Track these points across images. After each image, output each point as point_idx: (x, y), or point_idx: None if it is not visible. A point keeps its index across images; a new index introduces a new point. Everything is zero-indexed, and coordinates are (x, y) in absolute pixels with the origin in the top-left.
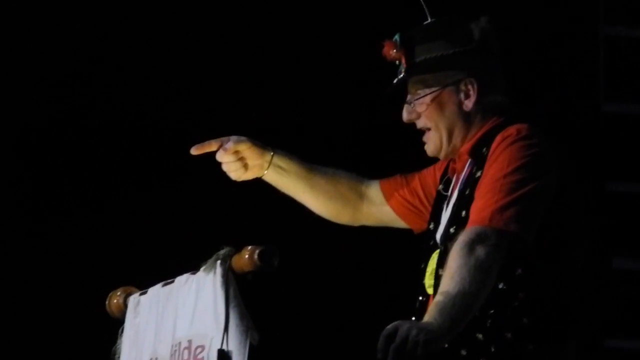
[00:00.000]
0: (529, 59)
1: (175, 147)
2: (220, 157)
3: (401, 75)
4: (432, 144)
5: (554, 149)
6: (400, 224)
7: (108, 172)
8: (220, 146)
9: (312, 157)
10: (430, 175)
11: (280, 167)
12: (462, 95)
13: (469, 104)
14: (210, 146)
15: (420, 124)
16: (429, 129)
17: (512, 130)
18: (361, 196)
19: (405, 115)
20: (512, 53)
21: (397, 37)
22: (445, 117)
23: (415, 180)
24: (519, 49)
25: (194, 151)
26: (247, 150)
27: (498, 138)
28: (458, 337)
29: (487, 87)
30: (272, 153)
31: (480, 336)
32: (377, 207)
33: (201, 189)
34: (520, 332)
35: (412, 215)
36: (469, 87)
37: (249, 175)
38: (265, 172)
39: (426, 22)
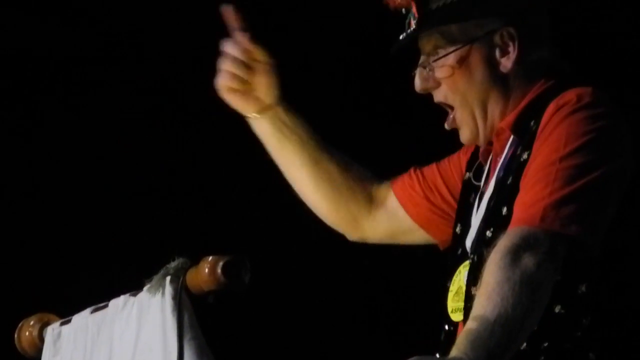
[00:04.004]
0: None
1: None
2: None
3: (411, 29)
4: (466, 127)
5: (628, 121)
6: (420, 236)
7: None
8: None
9: None
10: (454, 164)
11: (282, 122)
12: (497, 52)
13: (507, 63)
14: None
15: (440, 95)
16: (451, 107)
17: (570, 95)
18: (370, 199)
19: (418, 83)
20: None
21: None
22: (476, 83)
23: (434, 173)
24: None
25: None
26: (262, 66)
27: (551, 107)
28: None
29: (531, 38)
30: (279, 100)
31: None
32: (388, 213)
33: (143, 181)
34: None
35: (435, 220)
36: (507, 39)
37: (237, 100)
38: (259, 116)
39: None
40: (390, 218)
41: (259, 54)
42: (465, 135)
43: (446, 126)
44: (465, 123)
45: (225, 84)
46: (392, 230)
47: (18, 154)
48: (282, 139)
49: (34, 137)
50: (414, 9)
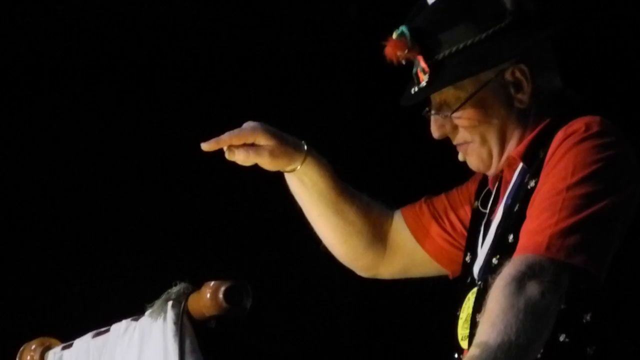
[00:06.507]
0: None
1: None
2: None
3: (423, 82)
4: (476, 157)
5: (636, 150)
6: (432, 268)
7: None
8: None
9: None
10: (463, 194)
11: (299, 179)
12: (511, 89)
13: (524, 98)
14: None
15: (460, 139)
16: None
17: (578, 124)
18: (387, 239)
19: (435, 131)
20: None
21: (404, 29)
22: (494, 124)
23: (443, 203)
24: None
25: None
26: (268, 144)
27: (559, 135)
28: None
29: (542, 69)
30: (301, 162)
31: None
32: (402, 248)
33: (146, 205)
34: None
35: (446, 250)
36: (519, 75)
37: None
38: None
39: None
40: (404, 253)
41: (261, 139)
42: (475, 164)
43: (460, 158)
44: (477, 154)
45: (231, 158)
46: (405, 264)
47: (17, 174)
48: (305, 194)
49: (33, 155)
50: (422, 63)
